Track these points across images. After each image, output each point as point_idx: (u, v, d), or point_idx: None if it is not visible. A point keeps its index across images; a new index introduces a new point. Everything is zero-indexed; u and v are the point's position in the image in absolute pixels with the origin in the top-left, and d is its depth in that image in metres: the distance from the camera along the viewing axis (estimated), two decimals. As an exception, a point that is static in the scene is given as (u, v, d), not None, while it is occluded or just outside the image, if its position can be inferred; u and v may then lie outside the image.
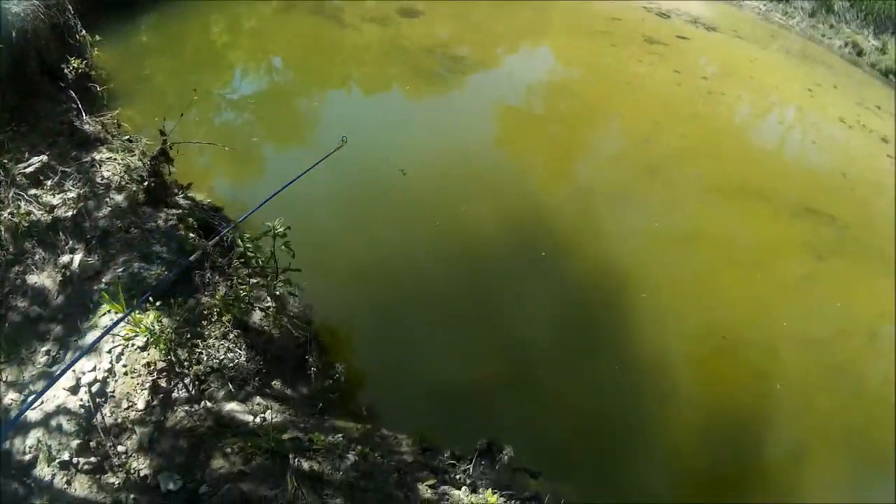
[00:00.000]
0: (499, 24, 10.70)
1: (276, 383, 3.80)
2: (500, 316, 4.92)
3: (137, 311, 3.52)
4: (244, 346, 3.80)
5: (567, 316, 5.06)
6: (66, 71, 6.22)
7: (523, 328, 4.84)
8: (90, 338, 3.50)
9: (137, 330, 3.48)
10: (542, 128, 7.98)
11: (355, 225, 5.43)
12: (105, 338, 3.43)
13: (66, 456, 3.11)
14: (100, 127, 5.31)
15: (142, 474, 3.08)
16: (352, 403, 4.07)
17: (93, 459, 3.12)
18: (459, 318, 4.82)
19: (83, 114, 5.45)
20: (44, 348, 3.58)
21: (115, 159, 4.75)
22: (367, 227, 5.42)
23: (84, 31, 6.82)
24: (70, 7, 6.35)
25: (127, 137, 5.34)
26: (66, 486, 3.06)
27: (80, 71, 6.46)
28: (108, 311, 3.59)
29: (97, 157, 4.74)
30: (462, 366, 4.46)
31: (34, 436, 3.17)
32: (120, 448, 3.19)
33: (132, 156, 4.88)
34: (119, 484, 3.06)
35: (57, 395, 3.26)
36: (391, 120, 7.35)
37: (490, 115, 7.89)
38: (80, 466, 3.10)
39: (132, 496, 3.03)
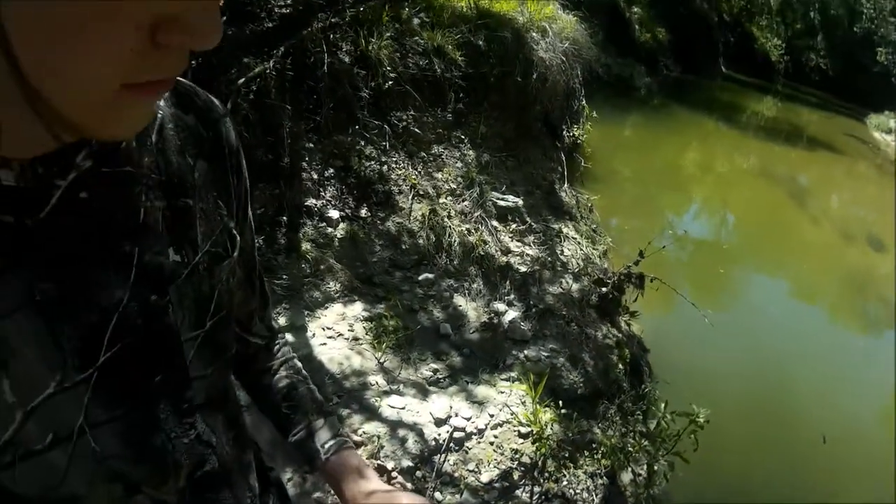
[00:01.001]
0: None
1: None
2: None
3: (539, 403, 3.20)
4: (600, 494, 3.28)
5: None
6: (563, 132, 6.42)
7: None
8: (480, 391, 3.26)
9: (531, 419, 3.14)
10: None
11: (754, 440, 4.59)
12: (496, 401, 3.16)
13: (390, 464, 2.84)
14: (574, 202, 5.27)
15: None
16: None
17: (401, 479, 2.81)
18: None
19: (565, 181, 5.49)
20: (433, 365, 3.40)
21: (579, 243, 4.61)
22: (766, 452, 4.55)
23: (584, 102, 7.06)
24: (578, 74, 6.55)
25: (594, 226, 5.21)
26: None
27: (573, 138, 6.64)
28: (514, 382, 3.32)
29: (564, 230, 4.64)
30: None
31: (372, 429, 2.95)
32: (437, 495, 2.84)
33: (594, 248, 4.70)
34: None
35: (421, 415, 3.03)
36: (827, 355, 6.35)
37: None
38: (385, 478, 2.79)
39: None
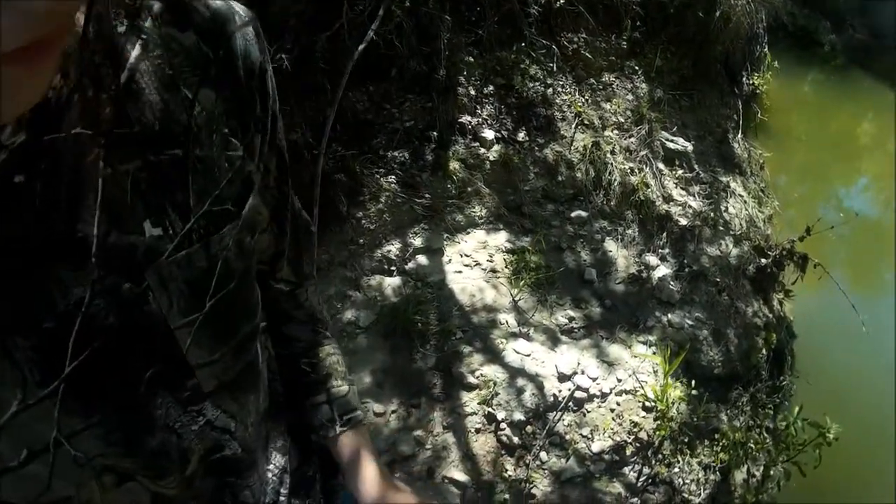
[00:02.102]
0: None
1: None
2: None
3: (671, 378, 2.94)
4: (703, 502, 3.04)
5: None
6: (742, 78, 5.81)
7: None
8: (613, 350, 3.02)
9: (658, 395, 2.90)
10: None
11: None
12: (627, 365, 2.93)
13: (501, 414, 2.70)
14: (746, 155, 4.76)
15: (528, 488, 2.61)
16: None
17: (508, 433, 2.68)
18: None
19: (739, 131, 4.97)
20: (570, 312, 3.17)
21: (745, 202, 4.16)
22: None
23: (767, 49, 6.38)
24: (763, 19, 5.87)
25: (763, 186, 4.71)
26: (466, 436, 2.69)
27: (752, 86, 6.01)
28: (650, 348, 3.06)
29: (731, 185, 4.19)
30: None
31: (490, 373, 2.80)
32: (542, 455, 2.70)
33: (760, 211, 4.24)
34: (503, 472, 2.62)
35: (545, 366, 2.84)
36: None
37: None
38: (493, 428, 2.69)
39: (506, 497, 2.56)
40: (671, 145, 4.06)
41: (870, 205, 6.90)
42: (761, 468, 3.32)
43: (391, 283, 2.98)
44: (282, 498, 0.90)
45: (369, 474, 0.95)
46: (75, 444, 0.63)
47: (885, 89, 8.17)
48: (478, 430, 2.68)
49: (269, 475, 0.88)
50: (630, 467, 2.86)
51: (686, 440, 2.99)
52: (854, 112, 7.75)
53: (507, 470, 2.66)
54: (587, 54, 3.95)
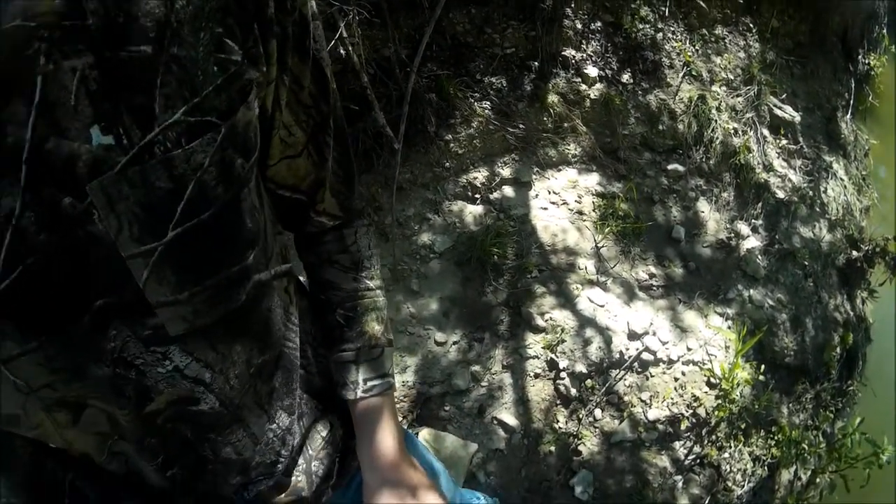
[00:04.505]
0: None
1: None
2: None
3: (741, 358, 2.80)
4: (745, 494, 2.93)
5: None
6: (859, 56, 5.42)
7: None
8: (688, 317, 2.87)
9: (726, 374, 2.76)
10: None
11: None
12: (700, 335, 2.81)
13: (563, 363, 2.61)
14: (852, 138, 4.45)
15: (575, 444, 2.55)
16: None
17: (567, 383, 2.59)
18: None
19: (849, 111, 4.64)
20: (652, 269, 2.97)
21: (845, 187, 3.90)
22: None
23: (886, 31, 5.97)
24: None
25: (864, 174, 4.42)
26: (524, 379, 2.62)
27: (867, 67, 5.62)
28: (726, 322, 2.91)
29: (834, 166, 3.93)
30: None
31: (560, 318, 2.71)
32: (597, 412, 2.62)
33: (858, 199, 3.98)
34: (554, 423, 2.56)
35: (617, 320, 2.71)
36: None
37: None
38: (552, 376, 2.61)
39: (552, 449, 2.50)
40: (779, 112, 3.80)
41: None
42: (809, 473, 3.20)
43: (473, 210, 2.86)
44: (282, 458, 0.82)
45: (387, 441, 0.87)
46: (13, 370, 0.57)
47: None
48: (536, 376, 2.60)
49: (270, 435, 0.79)
50: (681, 443, 2.76)
51: (743, 426, 2.87)
52: None
53: (558, 421, 2.59)
54: (701, 3, 3.67)
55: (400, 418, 2.53)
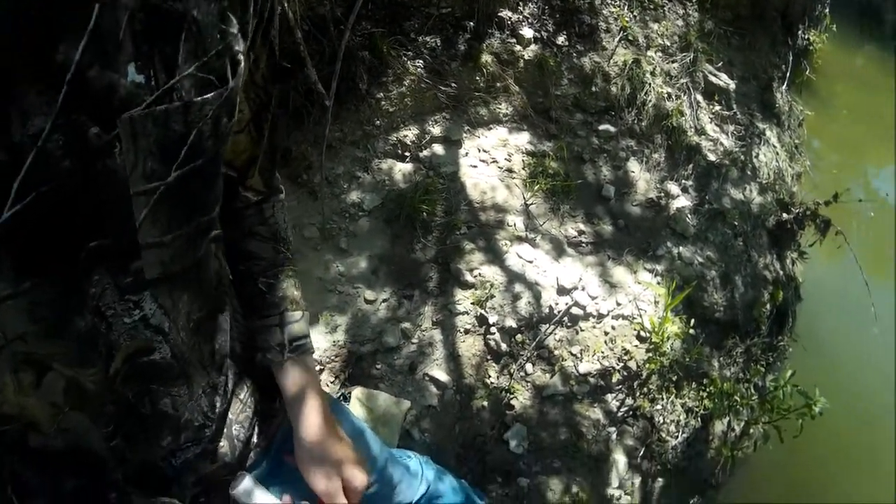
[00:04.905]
0: None
1: None
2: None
3: (671, 312, 2.84)
4: (679, 445, 2.96)
5: None
6: (798, 31, 5.53)
7: None
8: (617, 272, 2.89)
9: (655, 327, 2.80)
10: None
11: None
12: (629, 290, 2.84)
13: (493, 318, 2.61)
14: (787, 108, 4.54)
15: (508, 398, 2.58)
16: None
17: (497, 338, 2.61)
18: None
19: (784, 82, 4.74)
20: (581, 226, 2.94)
21: (777, 153, 3.98)
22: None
23: (828, 10, 6.10)
24: None
25: (797, 142, 4.52)
26: (454, 335, 2.62)
27: (806, 41, 5.74)
28: (655, 278, 2.95)
29: (767, 133, 4.00)
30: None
31: (489, 274, 2.70)
32: (528, 367, 2.63)
33: (790, 166, 4.07)
34: (486, 378, 2.57)
35: (546, 275, 2.72)
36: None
37: None
38: (482, 331, 2.62)
39: (485, 404, 2.53)
40: (713, 79, 3.86)
41: (898, 193, 6.72)
42: (742, 424, 3.27)
43: (402, 168, 2.85)
44: (209, 422, 0.85)
45: (312, 417, 0.93)
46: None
47: (943, 78, 7.87)
48: (467, 331, 2.61)
49: (201, 392, 0.82)
50: (613, 395, 2.79)
51: (674, 379, 2.92)
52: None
53: (490, 376, 2.60)
54: (641, -30, 3.71)
55: (333, 378, 2.53)
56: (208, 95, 0.61)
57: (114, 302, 0.65)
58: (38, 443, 0.71)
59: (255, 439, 0.95)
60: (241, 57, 0.66)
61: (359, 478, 0.94)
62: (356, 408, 2.42)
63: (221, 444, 0.88)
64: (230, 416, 0.90)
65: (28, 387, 0.65)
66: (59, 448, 0.73)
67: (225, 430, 0.89)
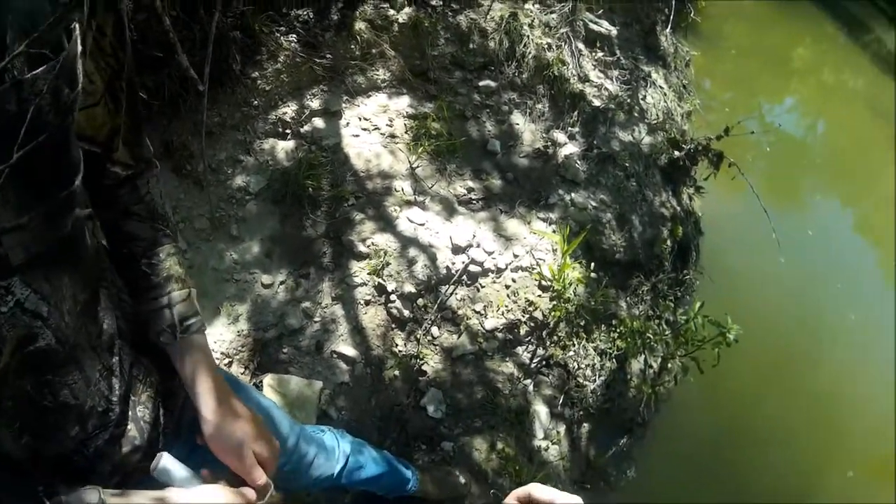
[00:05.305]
0: None
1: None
2: None
3: (570, 258, 2.87)
4: (598, 388, 3.01)
5: None
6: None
7: None
8: (511, 225, 2.90)
9: (556, 275, 2.83)
10: None
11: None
12: (525, 242, 2.85)
13: (391, 286, 2.60)
14: (672, 50, 4.63)
15: (418, 364, 2.58)
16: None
17: (399, 305, 2.59)
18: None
19: (668, 25, 4.82)
20: (469, 183, 2.95)
21: (665, 94, 4.06)
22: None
23: None
24: None
25: (686, 83, 4.61)
26: (356, 308, 2.60)
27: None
28: (549, 226, 2.97)
29: (653, 76, 4.08)
30: None
31: (382, 242, 2.67)
32: (434, 330, 2.62)
33: (679, 105, 4.16)
34: (393, 347, 2.57)
35: (439, 236, 2.70)
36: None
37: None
38: (383, 300, 2.60)
39: (396, 373, 2.53)
40: (594, 27, 3.89)
41: (794, 126, 6.97)
42: (659, 360, 3.33)
43: (285, 146, 2.78)
44: (112, 406, 0.86)
45: (208, 399, 0.95)
46: None
47: (826, 20, 8.21)
48: (367, 303, 2.58)
49: (97, 375, 0.82)
50: (524, 347, 2.81)
51: (582, 324, 2.96)
52: (790, 35, 7.74)
53: (397, 345, 2.58)
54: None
55: (243, 369, 2.47)
56: (39, 70, 0.60)
57: None
58: None
59: (161, 420, 0.96)
60: (76, 25, 0.65)
61: (267, 448, 0.98)
62: (269, 395, 2.37)
63: (129, 427, 0.88)
64: (132, 397, 0.90)
65: None
66: None
67: (129, 412, 0.89)
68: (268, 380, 2.40)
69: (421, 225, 2.67)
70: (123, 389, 0.87)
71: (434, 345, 2.64)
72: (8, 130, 0.60)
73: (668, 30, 4.76)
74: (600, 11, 3.99)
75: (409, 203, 2.72)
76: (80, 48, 0.66)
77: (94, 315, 0.81)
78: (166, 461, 0.90)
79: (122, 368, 0.88)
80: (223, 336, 2.43)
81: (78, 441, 0.82)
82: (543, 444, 2.82)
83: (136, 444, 0.90)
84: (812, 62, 7.84)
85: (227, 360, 2.45)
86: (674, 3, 5.09)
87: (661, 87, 4.09)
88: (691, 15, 5.61)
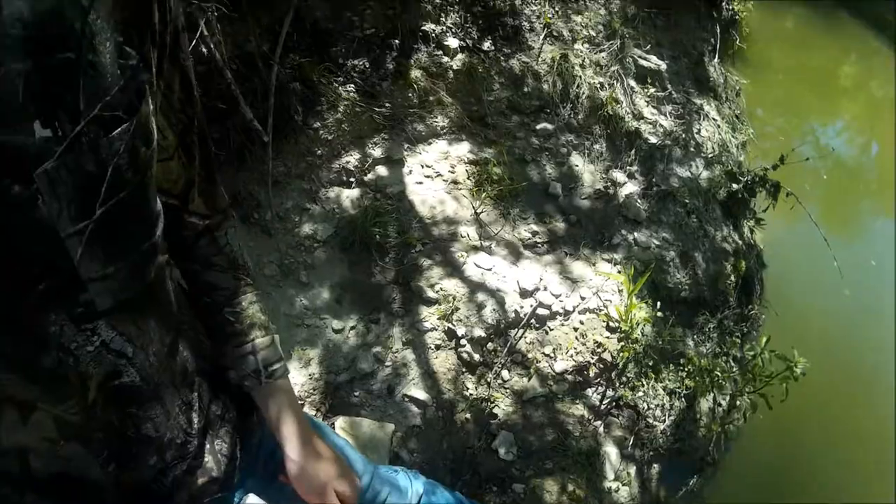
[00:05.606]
0: None
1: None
2: None
3: (636, 298, 2.85)
4: (668, 428, 2.96)
5: None
6: (722, 2, 5.64)
7: None
8: (576, 267, 2.89)
9: (623, 316, 2.81)
10: None
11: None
12: (591, 283, 2.84)
13: (461, 330, 2.60)
14: (721, 80, 4.62)
15: (489, 407, 2.56)
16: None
17: (469, 349, 2.59)
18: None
19: (716, 55, 4.82)
20: (534, 227, 2.95)
21: (719, 126, 4.04)
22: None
23: None
24: None
25: (738, 112, 4.59)
26: (426, 353, 2.61)
27: (731, 12, 5.84)
28: (615, 267, 2.96)
29: (705, 108, 4.07)
30: None
31: (451, 287, 2.68)
32: (504, 373, 2.62)
33: (733, 136, 4.13)
34: (464, 390, 2.55)
35: (507, 280, 2.71)
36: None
37: None
38: (453, 344, 2.60)
39: (468, 416, 2.50)
40: (644, 63, 3.90)
41: (847, 146, 6.85)
42: (728, 398, 3.26)
43: (350, 194, 2.84)
44: (191, 438, 0.90)
45: (294, 437, 0.97)
46: None
47: (869, 35, 8.08)
48: (438, 347, 2.59)
49: (177, 410, 0.86)
50: (593, 389, 2.79)
51: (651, 363, 2.92)
52: (836, 53, 7.63)
53: (468, 388, 2.58)
54: (556, -35, 3.75)
55: (314, 412, 2.49)
56: (115, 132, 0.63)
57: (74, 334, 0.68)
58: (41, 473, 0.75)
59: (238, 454, 0.99)
60: (146, 86, 0.68)
61: (349, 487, 1.01)
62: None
63: (206, 458, 0.92)
64: (210, 431, 0.93)
65: (14, 424, 0.69)
66: (60, 476, 0.77)
67: (207, 445, 0.92)
68: (340, 422, 2.42)
69: (488, 269, 2.68)
70: (202, 423, 0.91)
71: (504, 388, 2.63)
72: (90, 189, 0.63)
73: (715, 59, 4.76)
74: (648, 46, 4.01)
75: (475, 248, 2.74)
76: (150, 106, 0.69)
77: (176, 355, 0.85)
78: (252, 499, 0.96)
79: (202, 404, 0.91)
80: (295, 379, 2.46)
81: (157, 470, 0.85)
82: (614, 485, 2.77)
83: (214, 476, 0.93)
84: (860, 79, 7.71)
85: (299, 402, 2.48)
86: (718, 31, 5.09)
87: (714, 118, 4.07)
88: (737, 42, 5.61)
